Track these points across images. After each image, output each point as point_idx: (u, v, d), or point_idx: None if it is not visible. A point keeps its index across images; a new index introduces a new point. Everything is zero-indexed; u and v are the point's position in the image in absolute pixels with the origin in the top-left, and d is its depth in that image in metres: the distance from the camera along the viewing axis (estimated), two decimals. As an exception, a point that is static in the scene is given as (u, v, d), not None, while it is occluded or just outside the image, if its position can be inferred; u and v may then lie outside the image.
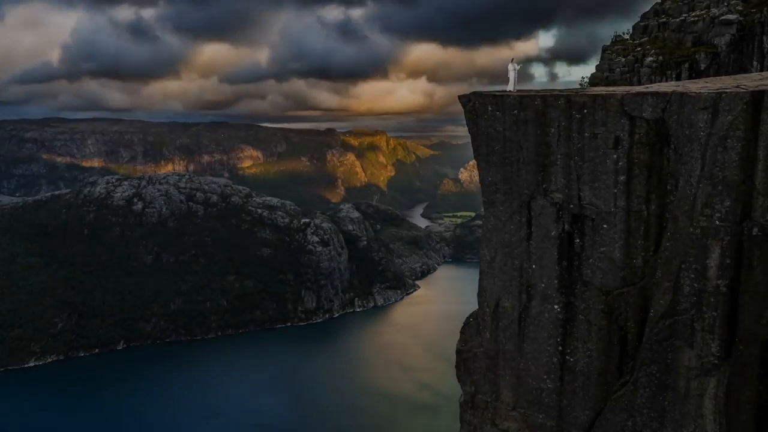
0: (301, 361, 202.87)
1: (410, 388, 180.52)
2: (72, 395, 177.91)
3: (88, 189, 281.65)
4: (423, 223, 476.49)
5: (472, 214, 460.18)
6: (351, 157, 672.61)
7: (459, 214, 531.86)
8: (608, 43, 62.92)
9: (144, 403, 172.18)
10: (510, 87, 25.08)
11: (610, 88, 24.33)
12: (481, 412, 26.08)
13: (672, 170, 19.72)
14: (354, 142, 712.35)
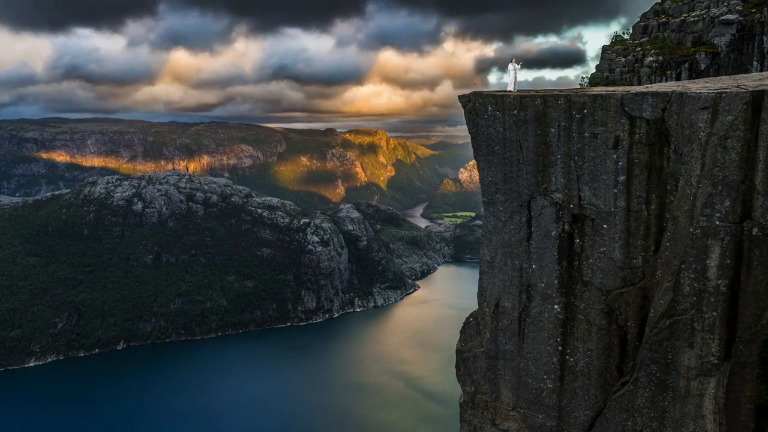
0: (300, 361, 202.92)
1: (410, 389, 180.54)
2: (72, 395, 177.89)
3: (88, 189, 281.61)
4: (423, 223, 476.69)
5: (472, 214, 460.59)
6: (351, 157, 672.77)
7: (459, 214, 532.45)
8: (608, 44, 62.95)
9: (144, 402, 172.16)
10: (510, 87, 25.08)
11: (610, 88, 24.33)
12: (481, 412, 26.09)
13: (672, 170, 19.73)
14: (354, 141, 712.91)
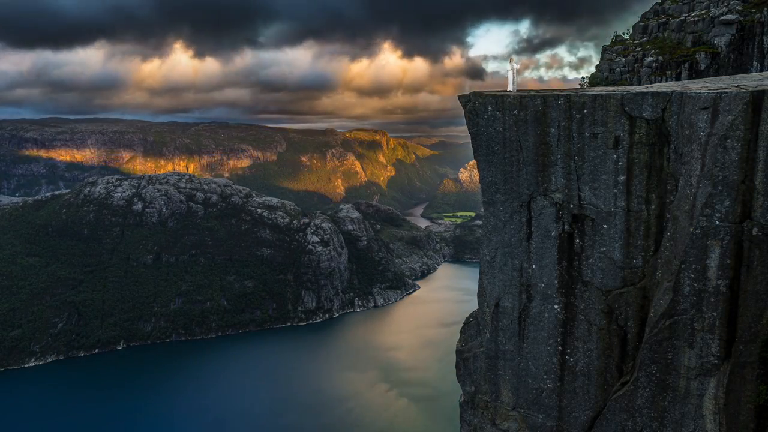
0: (300, 361, 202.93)
1: (410, 388, 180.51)
2: (72, 395, 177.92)
3: (88, 189, 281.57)
4: (423, 223, 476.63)
5: (472, 214, 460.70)
6: (351, 156, 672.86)
7: (459, 214, 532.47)
8: (607, 43, 62.93)
9: (144, 403, 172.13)
10: (510, 87, 25.07)
11: (610, 88, 24.32)
12: (481, 412, 26.09)
13: (672, 170, 19.73)
14: (354, 141, 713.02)
